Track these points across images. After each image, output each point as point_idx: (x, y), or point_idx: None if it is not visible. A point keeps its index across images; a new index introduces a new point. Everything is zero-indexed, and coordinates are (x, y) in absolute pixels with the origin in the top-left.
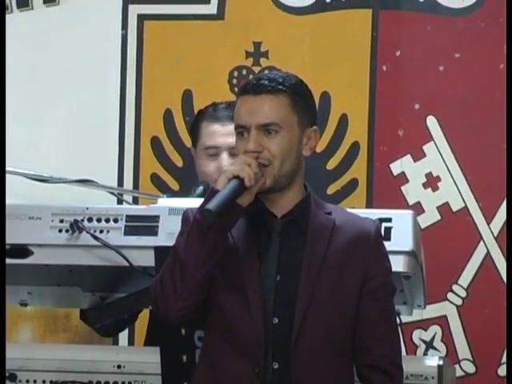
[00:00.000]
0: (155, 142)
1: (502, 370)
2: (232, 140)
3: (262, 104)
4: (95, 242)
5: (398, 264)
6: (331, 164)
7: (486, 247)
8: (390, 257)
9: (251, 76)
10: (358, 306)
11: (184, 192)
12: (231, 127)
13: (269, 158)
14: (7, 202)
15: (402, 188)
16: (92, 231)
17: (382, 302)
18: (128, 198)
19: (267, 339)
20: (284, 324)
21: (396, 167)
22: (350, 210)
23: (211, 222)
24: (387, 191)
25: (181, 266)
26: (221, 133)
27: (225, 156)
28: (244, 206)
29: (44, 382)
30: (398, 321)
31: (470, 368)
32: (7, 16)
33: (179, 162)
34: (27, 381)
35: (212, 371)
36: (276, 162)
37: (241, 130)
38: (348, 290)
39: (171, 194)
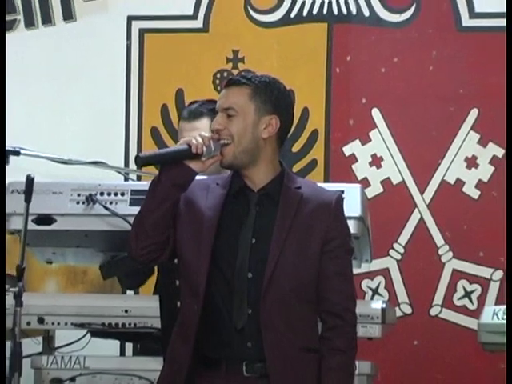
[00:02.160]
0: (154, 131)
1: (433, 311)
2: (196, 133)
3: (228, 93)
4: (106, 212)
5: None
6: (295, 147)
7: (420, 213)
8: None
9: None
10: (319, 262)
11: None
12: (195, 123)
13: (228, 135)
14: (36, 180)
15: (353, 166)
16: (103, 203)
17: (339, 260)
18: (133, 176)
19: (243, 290)
20: (257, 278)
21: (347, 150)
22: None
23: (139, 165)
24: (340, 169)
25: (139, 213)
26: (185, 128)
27: None
28: (196, 171)
29: (66, 323)
30: None
31: (408, 309)
32: (33, 31)
33: None
34: (52, 323)
35: (180, 312)
36: (235, 139)
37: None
38: (311, 249)
39: None
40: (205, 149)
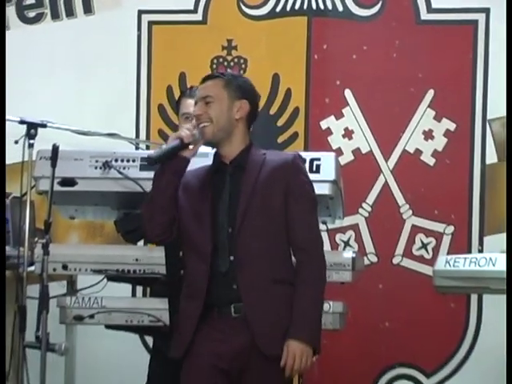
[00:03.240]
0: (160, 108)
1: (395, 260)
2: None
3: (205, 85)
4: (120, 176)
5: (324, 189)
6: (280, 122)
7: (385, 177)
8: (319, 184)
9: (225, 62)
10: (286, 211)
11: None
12: None
13: (207, 118)
14: (60, 148)
15: (328, 138)
16: (118, 168)
17: (303, 205)
18: (142, 145)
19: (224, 243)
20: (234, 231)
21: (324, 124)
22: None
23: (152, 164)
24: (318, 140)
25: (149, 199)
26: (192, 104)
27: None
28: (189, 158)
29: (86, 270)
30: (325, 227)
31: (374, 259)
32: (58, 23)
33: (177, 122)
34: (75, 269)
35: (187, 276)
36: (214, 120)
37: (196, 102)
38: (274, 199)
39: None
40: (191, 138)
